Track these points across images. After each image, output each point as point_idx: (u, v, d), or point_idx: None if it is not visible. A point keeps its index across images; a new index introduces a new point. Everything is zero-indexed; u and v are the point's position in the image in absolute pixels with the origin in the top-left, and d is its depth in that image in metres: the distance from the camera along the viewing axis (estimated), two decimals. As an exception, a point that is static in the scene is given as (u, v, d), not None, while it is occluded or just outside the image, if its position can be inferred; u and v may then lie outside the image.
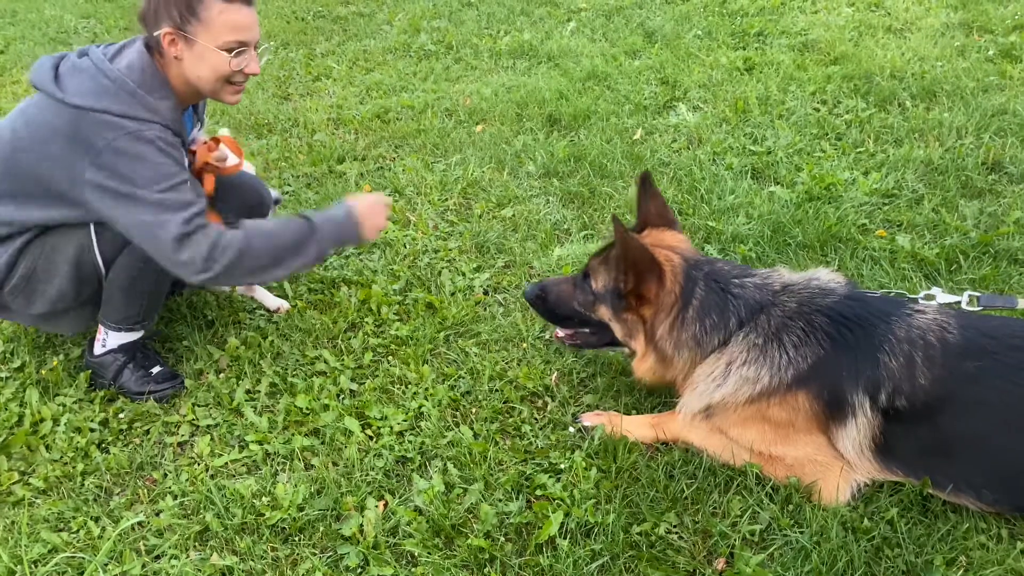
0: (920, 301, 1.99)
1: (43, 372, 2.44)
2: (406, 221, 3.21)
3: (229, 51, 2.09)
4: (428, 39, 5.15)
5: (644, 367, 2.05)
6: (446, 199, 3.34)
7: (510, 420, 2.20)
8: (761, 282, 1.97)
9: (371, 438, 2.18)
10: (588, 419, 2.13)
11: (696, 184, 3.17)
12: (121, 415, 2.31)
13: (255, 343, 2.53)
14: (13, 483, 2.10)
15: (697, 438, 2.01)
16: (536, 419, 2.19)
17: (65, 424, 2.26)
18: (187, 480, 2.08)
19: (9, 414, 2.32)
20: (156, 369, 2.42)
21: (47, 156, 2.03)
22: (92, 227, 2.14)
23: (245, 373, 2.43)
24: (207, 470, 2.11)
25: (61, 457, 2.18)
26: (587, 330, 2.19)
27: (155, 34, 2.07)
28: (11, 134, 2.08)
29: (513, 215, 3.18)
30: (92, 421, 2.28)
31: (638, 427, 2.08)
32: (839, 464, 1.84)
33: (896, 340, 1.79)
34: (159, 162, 2.03)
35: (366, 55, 5.02)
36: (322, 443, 2.16)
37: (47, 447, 2.21)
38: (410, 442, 2.14)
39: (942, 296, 2.07)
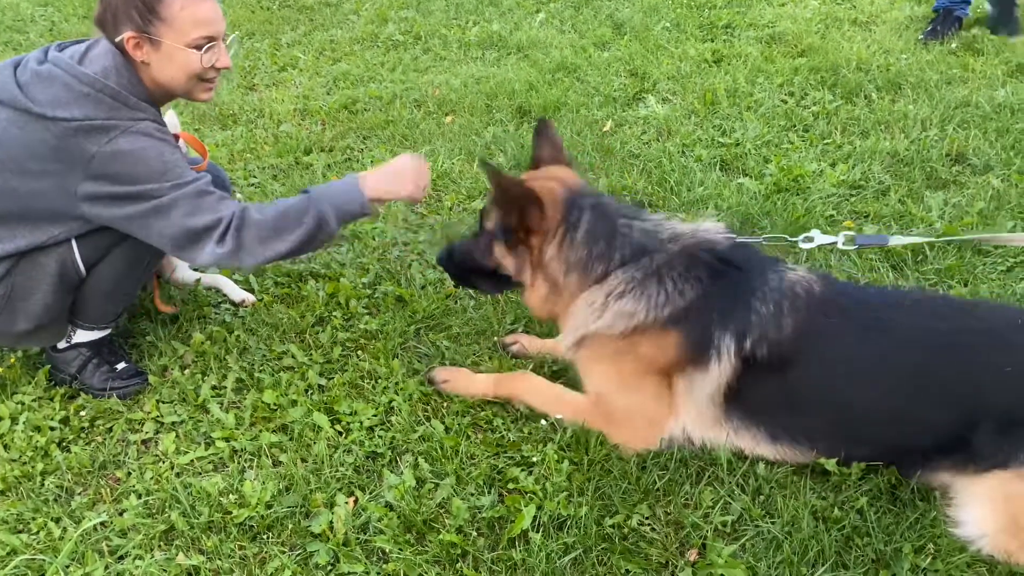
0: (800, 244, 2.19)
1: (0, 370, 2.38)
2: (376, 213, 3.17)
3: (198, 48, 2.03)
4: (396, 29, 5.10)
5: (536, 297, 2.07)
6: (415, 191, 3.30)
7: (482, 414, 2.18)
8: (651, 228, 1.99)
9: (340, 433, 2.15)
10: (439, 373, 2.25)
11: (666, 176, 3.17)
12: (83, 412, 2.25)
13: (220, 338, 2.49)
14: (-32, 485, 2.04)
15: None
16: (507, 412, 2.17)
17: (24, 423, 2.20)
18: (152, 478, 2.03)
19: (-37, 414, 2.25)
20: (121, 365, 2.36)
21: (29, 176, 1.95)
22: (74, 242, 2.07)
23: (211, 369, 2.38)
24: (172, 468, 2.07)
25: (20, 457, 2.11)
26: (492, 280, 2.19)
27: (117, 39, 2.00)
28: None
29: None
30: (52, 419, 2.22)
31: (479, 383, 2.19)
32: (664, 422, 1.93)
33: (770, 289, 1.86)
34: (160, 151, 1.98)
35: (333, 45, 4.95)
36: (290, 439, 2.13)
37: (5, 447, 2.15)
38: (380, 437, 2.11)
39: (820, 237, 2.21)
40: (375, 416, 2.18)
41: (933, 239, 2.56)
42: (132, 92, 2.01)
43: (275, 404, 2.23)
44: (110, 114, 1.95)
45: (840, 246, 2.21)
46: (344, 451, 2.07)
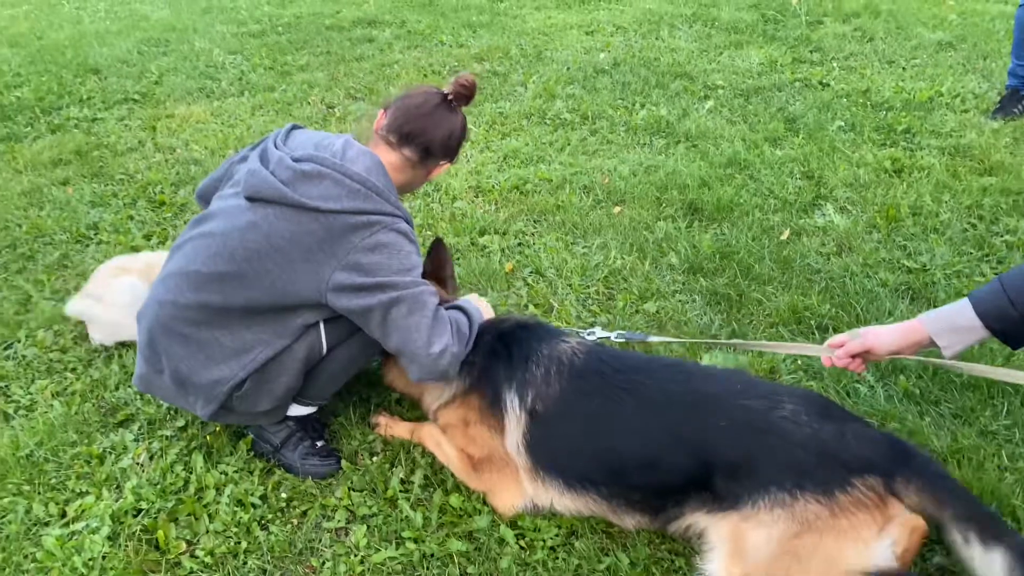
0: (582, 334, 2.53)
1: (207, 437, 2.54)
2: (549, 306, 3.23)
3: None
4: (563, 106, 5.21)
5: (389, 375, 2.61)
6: (587, 286, 3.35)
7: (663, 546, 2.16)
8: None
9: (524, 550, 2.18)
10: (377, 418, 2.62)
11: (850, 301, 3.09)
12: (280, 491, 2.38)
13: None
14: (181, 553, 2.18)
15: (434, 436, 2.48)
16: (685, 548, 2.14)
17: (228, 496, 2.34)
18: (345, 572, 2.11)
19: (176, 478, 2.41)
20: (320, 443, 2.48)
21: (290, 267, 2.09)
22: (322, 325, 2.22)
23: (399, 460, 2.47)
24: (363, 563, 2.14)
25: (225, 530, 2.24)
26: None
27: (406, 154, 2.34)
28: (246, 252, 2.11)
29: (657, 311, 3.16)
30: (253, 495, 2.35)
31: (401, 429, 2.56)
32: (512, 465, 2.24)
33: (542, 355, 2.24)
34: (408, 250, 2.14)
35: (503, 119, 5.10)
36: (476, 550, 2.17)
37: (210, 517, 2.29)
38: (564, 560, 2.13)
39: (599, 331, 2.58)
40: (557, 536, 2.20)
41: None
42: (391, 191, 2.21)
43: (461, 509, 2.29)
44: (376, 208, 2.12)
45: (612, 339, 2.60)
46: (530, 570, 2.10)
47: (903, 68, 5.65)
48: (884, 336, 1.99)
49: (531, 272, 3.46)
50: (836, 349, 2.11)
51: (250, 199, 2.15)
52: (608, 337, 2.58)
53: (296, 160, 2.14)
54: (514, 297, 3.29)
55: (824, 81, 5.45)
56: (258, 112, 5.38)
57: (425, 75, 5.95)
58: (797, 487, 1.86)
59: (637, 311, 3.19)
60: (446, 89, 2.38)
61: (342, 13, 7.63)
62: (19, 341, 3.09)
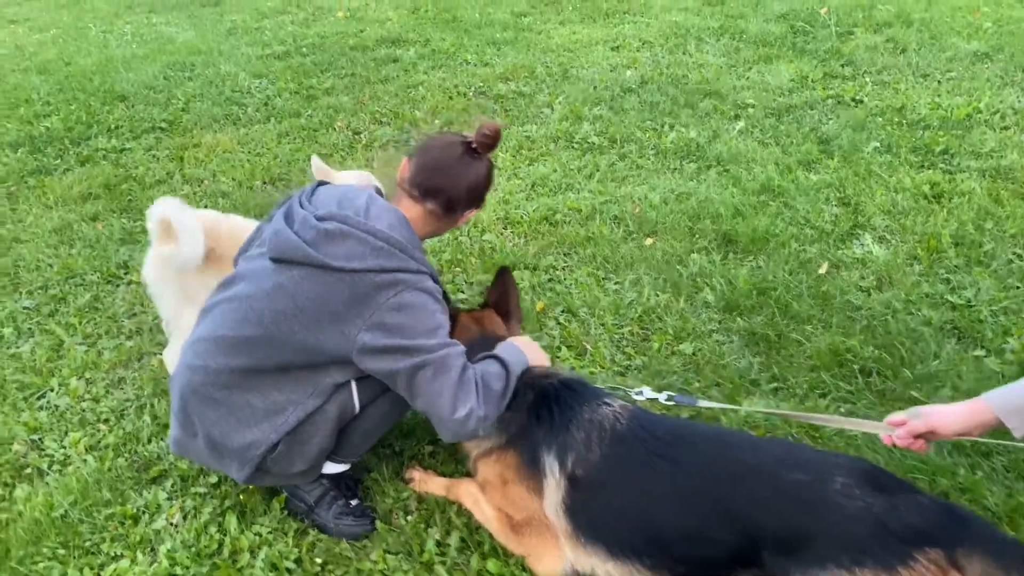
0: (631, 395, 2.49)
1: (241, 496, 2.51)
2: (582, 348, 3.17)
3: None
4: (591, 129, 5.14)
5: None
6: (621, 326, 3.29)
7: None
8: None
9: (565, 618, 2.13)
10: (411, 473, 2.58)
11: (894, 341, 3.00)
12: (315, 554, 2.34)
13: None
14: (217, 622, 2.16)
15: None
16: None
17: (263, 560, 2.31)
18: (383, 644, 2.08)
19: (210, 540, 2.39)
20: (354, 502, 2.45)
21: (317, 327, 2.06)
22: (353, 384, 2.19)
23: (435, 520, 2.42)
24: (401, 633, 2.11)
25: (260, 597, 2.22)
26: None
27: (429, 207, 2.31)
28: (273, 315, 2.09)
29: (693, 353, 3.09)
30: (288, 558, 2.32)
31: (436, 486, 2.51)
32: (552, 529, 2.16)
33: (584, 419, 2.16)
34: (433, 310, 2.10)
35: (529, 143, 5.05)
36: (516, 620, 2.12)
37: (245, 582, 2.26)
38: (606, 631, 2.07)
39: (648, 392, 2.50)
40: (599, 604, 2.14)
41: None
42: (415, 246, 2.18)
43: (499, 575, 2.24)
44: (400, 265, 2.08)
45: (661, 400, 2.50)
46: (572, 645, 2.05)
47: (938, 82, 5.52)
48: (949, 416, 1.91)
49: (563, 311, 3.40)
50: (896, 427, 2.03)
51: (276, 260, 2.12)
52: (657, 399, 2.51)
53: (320, 219, 2.11)
54: (546, 338, 3.23)
55: (857, 97, 5.34)
56: (284, 139, 5.37)
57: (450, 96, 5.92)
58: (856, 564, 1.77)
59: (673, 353, 3.12)
60: (470, 137, 2.34)
61: (366, 32, 7.62)
62: (52, 390, 3.09)
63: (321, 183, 2.39)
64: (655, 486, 2.06)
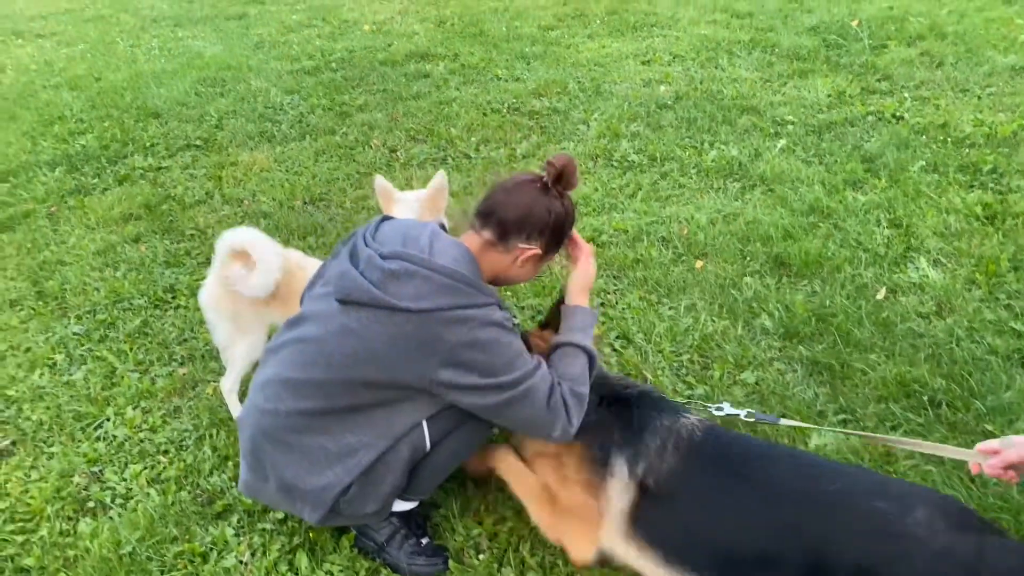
0: (711, 410, 2.51)
1: (310, 533, 2.48)
2: (642, 377, 3.13)
3: None
4: (630, 147, 5.11)
5: None
6: (680, 353, 3.25)
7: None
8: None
9: (650, 664, 2.09)
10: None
11: (960, 371, 2.95)
12: (388, 595, 2.31)
13: (511, 519, 2.49)
14: (295, 667, 2.13)
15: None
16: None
17: (336, 601, 2.28)
18: None
19: (280, 579, 2.36)
20: (425, 540, 2.42)
21: (388, 368, 2.04)
22: (424, 422, 2.16)
23: (508, 559, 2.39)
24: None
25: (336, 641, 2.19)
26: None
27: (485, 236, 2.21)
28: (343, 358, 2.06)
29: (756, 383, 3.05)
30: (361, 599, 2.29)
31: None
32: (595, 522, 2.15)
33: (661, 426, 2.17)
34: (508, 341, 2.07)
35: (569, 161, 5.00)
36: (601, 666, 2.08)
37: (320, 624, 2.23)
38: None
39: (728, 408, 2.50)
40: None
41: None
42: (477, 275, 2.13)
43: (578, 617, 2.21)
44: (468, 301, 2.04)
45: (742, 416, 2.48)
46: None
47: (979, 97, 5.47)
48: None
49: (617, 336, 3.37)
50: (988, 455, 1.98)
51: (342, 302, 2.09)
52: (737, 415, 2.49)
53: (384, 258, 2.08)
54: (604, 366, 3.19)
55: (897, 114, 5.29)
56: (321, 158, 5.36)
57: (484, 113, 5.89)
58: None
59: (735, 382, 3.08)
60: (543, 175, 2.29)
61: (394, 47, 7.62)
62: (108, 420, 3.07)
63: (385, 218, 2.36)
64: (728, 503, 2.03)
